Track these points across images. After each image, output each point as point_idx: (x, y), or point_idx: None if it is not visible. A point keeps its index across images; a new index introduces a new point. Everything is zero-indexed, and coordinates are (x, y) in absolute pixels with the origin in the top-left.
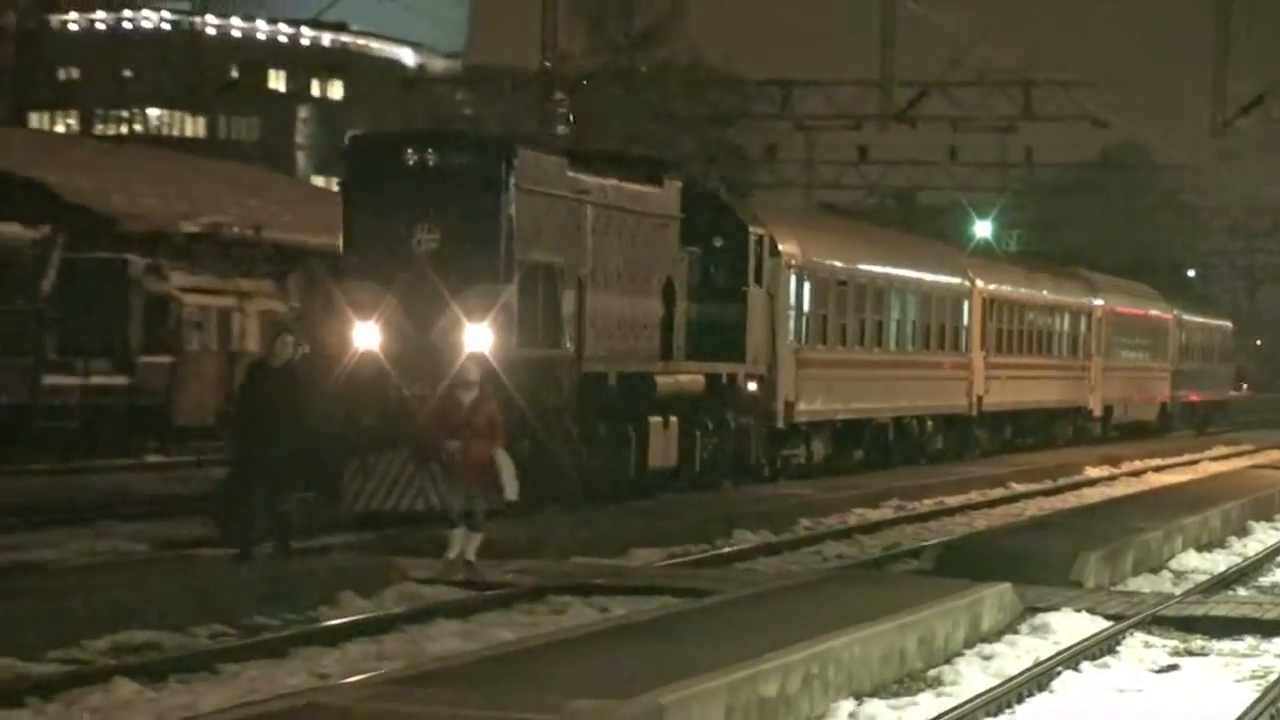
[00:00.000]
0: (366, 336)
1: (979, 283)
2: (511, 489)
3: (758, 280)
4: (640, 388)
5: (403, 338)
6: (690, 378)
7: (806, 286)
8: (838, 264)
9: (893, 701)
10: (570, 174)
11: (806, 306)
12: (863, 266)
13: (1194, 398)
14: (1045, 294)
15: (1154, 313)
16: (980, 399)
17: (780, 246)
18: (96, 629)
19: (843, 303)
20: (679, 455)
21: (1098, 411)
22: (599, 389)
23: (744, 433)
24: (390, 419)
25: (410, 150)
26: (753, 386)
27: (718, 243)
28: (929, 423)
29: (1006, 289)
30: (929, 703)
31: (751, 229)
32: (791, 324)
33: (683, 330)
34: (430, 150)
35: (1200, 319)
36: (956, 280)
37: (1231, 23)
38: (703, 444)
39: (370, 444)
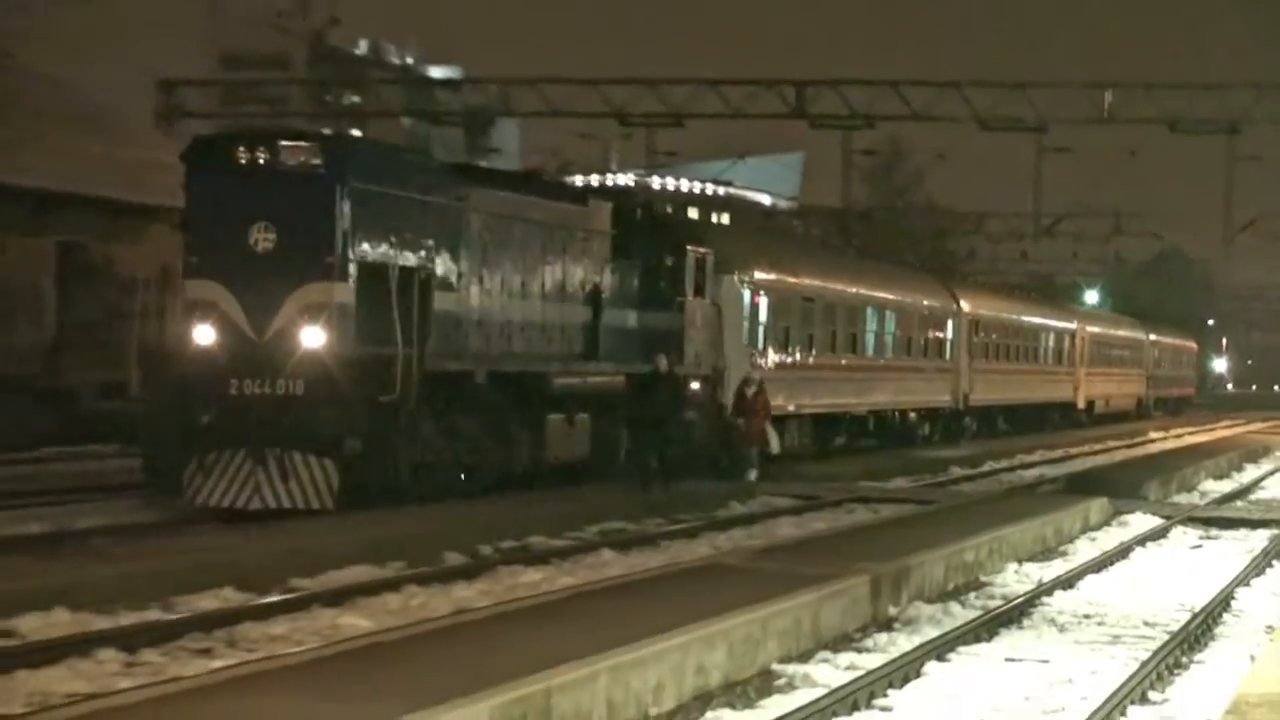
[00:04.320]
0: (205, 335)
1: (965, 307)
2: (775, 446)
3: (699, 292)
4: (533, 386)
5: (240, 336)
6: (606, 378)
7: (764, 301)
8: (805, 283)
9: (1039, 564)
10: (453, 183)
11: (764, 318)
12: (835, 287)
13: (1165, 394)
14: (1031, 319)
15: (1131, 335)
16: (966, 396)
17: (734, 266)
18: (589, 521)
19: (809, 317)
20: (598, 448)
21: (1082, 405)
22: (461, 388)
23: (691, 427)
24: (228, 417)
25: (247, 149)
26: (696, 386)
27: (668, 261)
28: (912, 415)
29: (992, 314)
30: (1059, 564)
31: (690, 248)
32: (746, 332)
33: (602, 334)
34: (267, 149)
35: (1170, 340)
36: (940, 303)
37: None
38: (627, 437)
39: (208, 442)
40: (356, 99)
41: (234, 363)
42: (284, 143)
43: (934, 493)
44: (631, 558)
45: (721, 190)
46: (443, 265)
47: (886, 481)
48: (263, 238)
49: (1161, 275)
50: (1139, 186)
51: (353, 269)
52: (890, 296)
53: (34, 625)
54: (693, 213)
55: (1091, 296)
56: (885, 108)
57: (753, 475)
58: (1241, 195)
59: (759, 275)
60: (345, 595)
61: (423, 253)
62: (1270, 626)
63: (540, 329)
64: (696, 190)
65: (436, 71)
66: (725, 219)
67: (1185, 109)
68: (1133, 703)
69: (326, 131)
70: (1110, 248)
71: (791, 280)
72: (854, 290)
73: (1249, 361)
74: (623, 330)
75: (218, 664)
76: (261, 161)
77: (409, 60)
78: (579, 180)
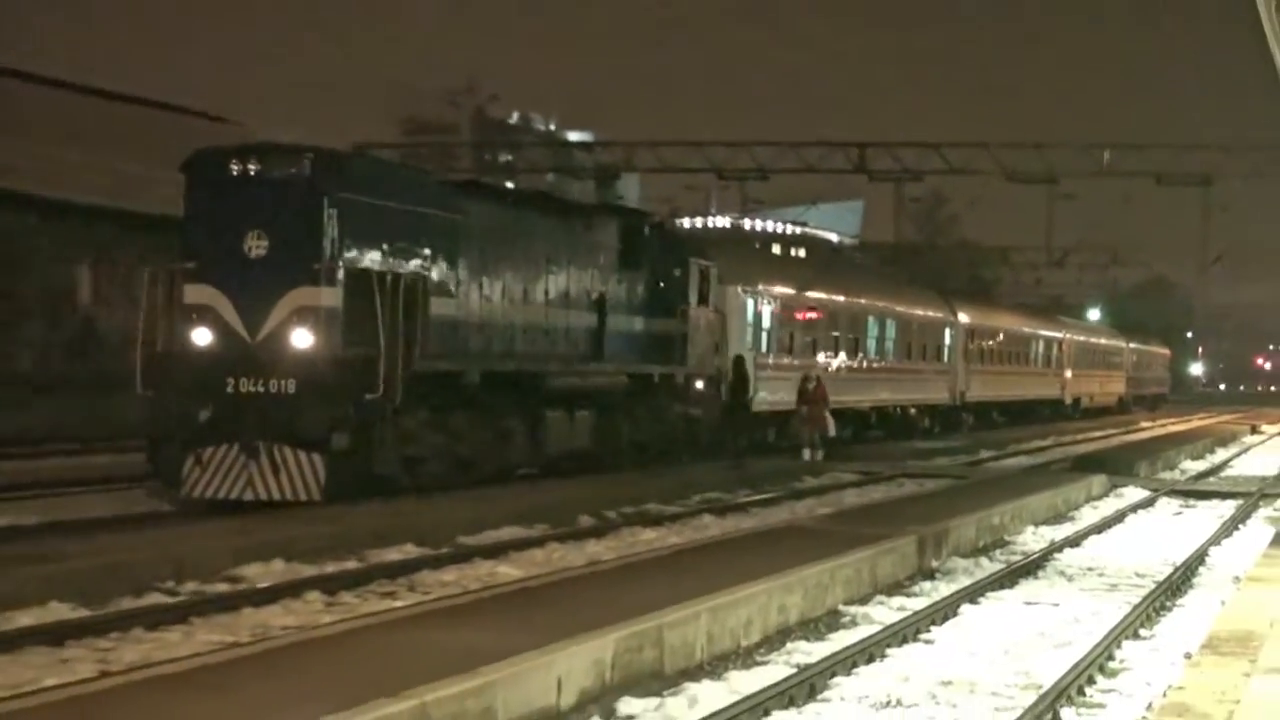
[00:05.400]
0: (202, 336)
1: (963, 318)
2: (832, 430)
3: (703, 301)
4: (530, 385)
5: (235, 338)
6: (608, 378)
7: (767, 309)
8: (808, 295)
9: (1052, 526)
10: (451, 198)
11: (767, 324)
12: (838, 299)
13: (1142, 392)
14: (1022, 329)
15: (1112, 343)
16: (963, 394)
17: (739, 278)
18: (693, 492)
19: (812, 324)
20: (601, 441)
21: (1068, 401)
22: (454, 386)
23: (695, 421)
24: (223, 414)
25: (240, 161)
26: (700, 384)
27: (675, 272)
28: (912, 410)
29: (986, 324)
30: (1068, 527)
31: (694, 260)
32: (750, 337)
33: (607, 338)
34: (260, 161)
35: (1146, 347)
36: (939, 314)
37: (1210, 209)
38: (631, 431)
39: (205, 437)
40: (509, 158)
41: (230, 363)
42: (274, 155)
43: (967, 470)
44: (726, 521)
45: (798, 229)
46: (439, 272)
47: (929, 460)
48: (256, 245)
49: (1149, 297)
50: (1132, 226)
51: (340, 275)
52: (890, 308)
53: (257, 573)
54: (775, 248)
55: (1093, 314)
56: (929, 164)
57: (811, 455)
58: (1215, 233)
59: (762, 286)
60: (500, 550)
61: (417, 261)
62: (1237, 577)
63: (544, 333)
64: (778, 230)
65: (573, 135)
66: (802, 253)
67: (1169, 165)
68: (1127, 638)
69: (316, 144)
70: (1108, 275)
71: (794, 292)
72: (857, 302)
73: (1220, 366)
74: (629, 334)
75: (400, 604)
76: (253, 173)
77: (552, 126)
78: (685, 222)
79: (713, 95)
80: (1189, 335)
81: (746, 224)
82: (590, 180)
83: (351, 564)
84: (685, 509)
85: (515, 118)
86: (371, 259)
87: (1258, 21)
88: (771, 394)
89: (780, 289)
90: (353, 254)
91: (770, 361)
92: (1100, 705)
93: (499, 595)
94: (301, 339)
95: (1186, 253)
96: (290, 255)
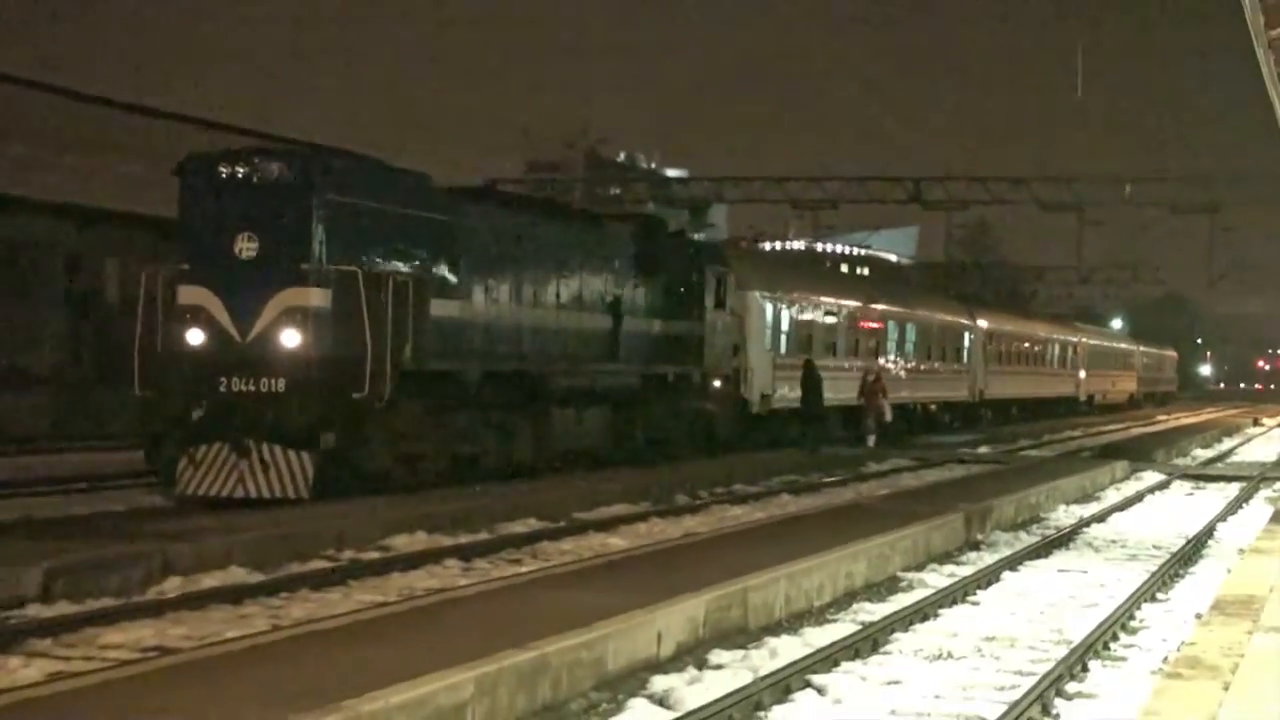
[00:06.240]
0: (195, 337)
1: (982, 324)
2: (889, 416)
3: (719, 306)
4: (535, 384)
5: (227, 338)
6: (621, 377)
7: (785, 314)
8: (827, 300)
9: (1080, 505)
10: (450, 201)
11: (786, 327)
12: (857, 304)
13: (1151, 390)
14: (1038, 333)
15: (1123, 346)
16: (981, 392)
17: (758, 284)
18: (772, 474)
19: (833, 328)
20: (615, 437)
21: (1083, 398)
22: (453, 385)
23: (711, 418)
24: (215, 413)
25: (229, 165)
26: (718, 383)
27: (693, 277)
28: (932, 407)
29: (1004, 329)
30: (1094, 505)
31: (711, 267)
32: (768, 339)
33: (622, 339)
34: (250, 165)
35: (1154, 350)
36: (959, 320)
37: (1216, 232)
38: (645, 427)
39: (198, 436)
40: (617, 191)
41: (222, 363)
42: (264, 158)
43: (1008, 457)
44: (802, 499)
45: (862, 251)
46: (437, 274)
47: (975, 448)
48: (246, 246)
49: (1165, 308)
50: (1150, 246)
51: (328, 275)
52: (910, 313)
53: (403, 542)
54: (844, 267)
55: (1116, 323)
56: (975, 195)
57: (872, 440)
58: (1221, 252)
59: (780, 291)
60: (610, 524)
61: (414, 262)
62: (1241, 549)
63: (555, 334)
64: (846, 251)
65: (671, 172)
66: (866, 271)
67: (1181, 195)
68: (1146, 601)
69: (305, 147)
70: (1130, 290)
71: (814, 297)
72: (876, 307)
73: (1225, 367)
74: (645, 336)
75: (525, 569)
76: (242, 176)
77: (653, 164)
78: (765, 245)
79: (789, 133)
80: (1199, 341)
81: (819, 247)
82: (685, 210)
83: (483, 535)
84: (766, 489)
85: (622, 156)
86: (360, 260)
87: (1257, 65)
88: (791, 390)
89: (800, 294)
90: (341, 255)
91: (789, 362)
92: (1122, 658)
93: (609, 562)
94: (290, 339)
95: (1198, 269)
96: (279, 256)
